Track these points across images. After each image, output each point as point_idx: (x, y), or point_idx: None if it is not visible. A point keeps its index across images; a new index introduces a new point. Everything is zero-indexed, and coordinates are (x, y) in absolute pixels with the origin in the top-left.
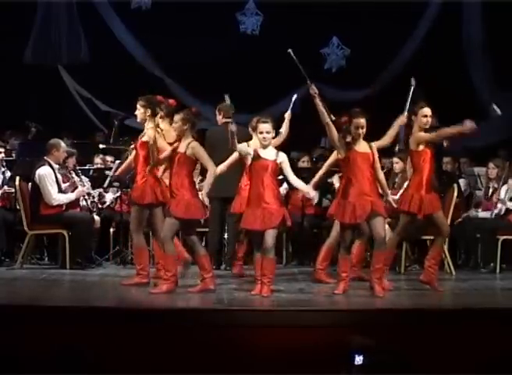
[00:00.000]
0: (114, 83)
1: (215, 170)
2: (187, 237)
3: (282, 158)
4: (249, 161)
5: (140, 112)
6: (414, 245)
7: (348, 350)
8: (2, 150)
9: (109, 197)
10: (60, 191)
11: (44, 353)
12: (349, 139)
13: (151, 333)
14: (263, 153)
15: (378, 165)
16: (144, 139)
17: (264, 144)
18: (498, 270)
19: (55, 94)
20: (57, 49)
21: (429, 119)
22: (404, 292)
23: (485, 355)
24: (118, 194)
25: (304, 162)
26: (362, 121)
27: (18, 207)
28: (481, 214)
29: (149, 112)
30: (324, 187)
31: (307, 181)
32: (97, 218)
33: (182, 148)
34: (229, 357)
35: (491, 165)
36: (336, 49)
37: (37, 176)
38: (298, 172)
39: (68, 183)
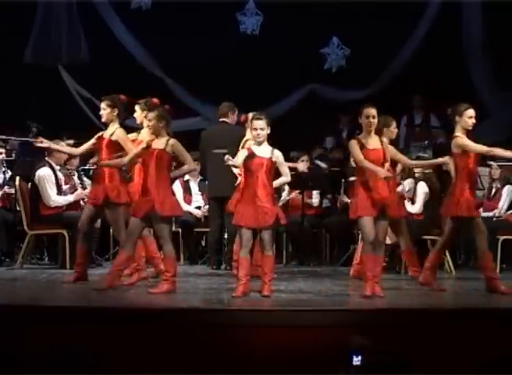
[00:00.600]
0: (114, 83)
1: (193, 167)
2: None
3: (277, 155)
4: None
5: (106, 112)
6: (414, 245)
7: (347, 350)
8: (3, 150)
9: None
10: (60, 192)
11: (44, 353)
12: (361, 136)
13: (150, 333)
14: (258, 151)
15: (387, 161)
16: (113, 138)
17: (258, 140)
18: (498, 270)
19: (55, 94)
20: (57, 49)
21: (474, 121)
22: (404, 292)
23: (485, 355)
24: None
25: (303, 162)
26: (372, 111)
27: (18, 207)
28: (483, 214)
29: (116, 111)
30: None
31: (306, 181)
32: None
33: (160, 145)
34: (229, 357)
35: (494, 165)
36: (336, 49)
37: (36, 177)
38: (297, 171)
39: (68, 186)
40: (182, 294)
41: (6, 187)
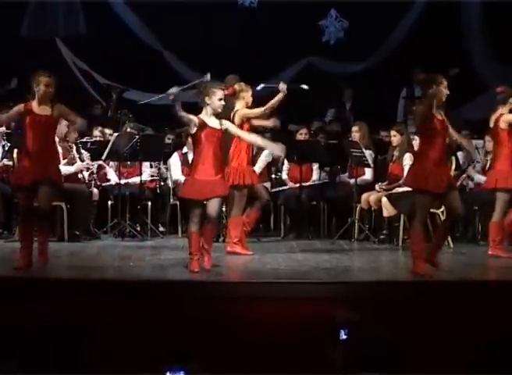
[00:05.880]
0: (111, 55)
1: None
2: None
3: (226, 124)
4: (193, 129)
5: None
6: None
7: (336, 324)
8: None
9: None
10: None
11: (41, 325)
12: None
13: (149, 306)
14: (209, 121)
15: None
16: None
17: (218, 111)
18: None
19: (52, 66)
20: (54, 22)
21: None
22: (402, 265)
23: (485, 328)
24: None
25: (301, 135)
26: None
27: None
28: (479, 177)
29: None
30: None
31: (305, 154)
32: (95, 191)
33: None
34: (228, 329)
35: (487, 138)
36: (334, 21)
37: None
38: (296, 144)
39: (66, 160)
40: (179, 266)
41: (5, 159)
